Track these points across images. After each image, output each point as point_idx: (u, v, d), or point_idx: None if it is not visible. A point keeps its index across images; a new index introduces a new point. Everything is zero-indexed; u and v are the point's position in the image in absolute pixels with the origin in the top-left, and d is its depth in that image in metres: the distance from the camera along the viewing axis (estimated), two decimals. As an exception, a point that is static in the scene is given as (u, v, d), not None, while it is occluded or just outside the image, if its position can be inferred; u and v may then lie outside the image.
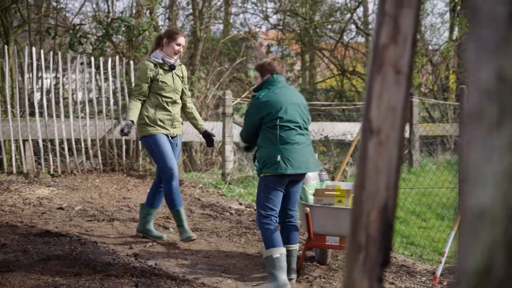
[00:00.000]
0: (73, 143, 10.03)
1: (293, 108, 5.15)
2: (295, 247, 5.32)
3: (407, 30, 1.89)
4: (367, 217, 1.92)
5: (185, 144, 12.71)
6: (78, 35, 12.56)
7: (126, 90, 10.77)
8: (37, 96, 10.54)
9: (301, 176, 5.26)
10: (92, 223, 7.10)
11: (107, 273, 5.11)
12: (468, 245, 1.29)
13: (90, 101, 11.31)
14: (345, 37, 17.86)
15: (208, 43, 15.15)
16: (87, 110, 10.33)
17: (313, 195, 5.60)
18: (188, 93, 6.50)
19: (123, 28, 12.17)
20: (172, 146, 6.23)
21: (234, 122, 10.57)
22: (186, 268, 5.57)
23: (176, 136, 6.33)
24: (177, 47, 6.24)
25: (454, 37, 16.59)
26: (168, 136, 6.21)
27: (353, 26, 17.61)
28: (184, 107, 6.48)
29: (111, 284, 4.84)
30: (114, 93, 10.85)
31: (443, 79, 16.89)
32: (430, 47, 16.57)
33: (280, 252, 5.02)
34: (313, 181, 5.76)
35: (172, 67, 6.26)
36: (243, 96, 13.83)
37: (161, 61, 6.23)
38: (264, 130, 5.12)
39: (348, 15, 17.32)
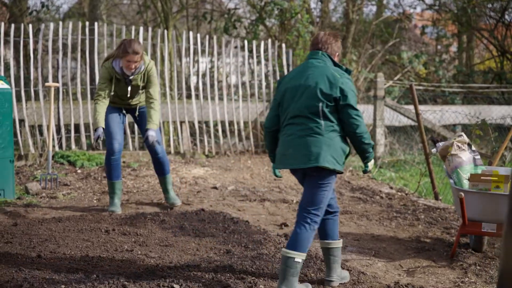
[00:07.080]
0: (227, 125, 10.32)
1: (291, 92, 4.38)
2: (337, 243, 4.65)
3: None
4: (527, 202, 1.82)
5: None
6: (232, 19, 12.86)
7: (278, 73, 10.90)
8: (193, 79, 10.95)
9: (307, 170, 4.30)
10: (244, 203, 7.29)
11: (258, 251, 5.23)
12: None
13: (243, 84, 11.59)
14: (506, 16, 16.97)
15: (360, 25, 14.99)
16: (240, 93, 10.57)
17: (468, 180, 5.39)
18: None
19: (276, 12, 12.29)
20: None
21: (386, 105, 10.40)
22: (335, 250, 5.57)
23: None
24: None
25: None
26: None
27: (516, 4, 16.69)
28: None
29: (262, 263, 4.93)
30: (266, 76, 11.01)
31: None
32: None
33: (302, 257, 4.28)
34: (467, 165, 5.53)
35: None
36: (395, 78, 13.58)
37: None
38: None
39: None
